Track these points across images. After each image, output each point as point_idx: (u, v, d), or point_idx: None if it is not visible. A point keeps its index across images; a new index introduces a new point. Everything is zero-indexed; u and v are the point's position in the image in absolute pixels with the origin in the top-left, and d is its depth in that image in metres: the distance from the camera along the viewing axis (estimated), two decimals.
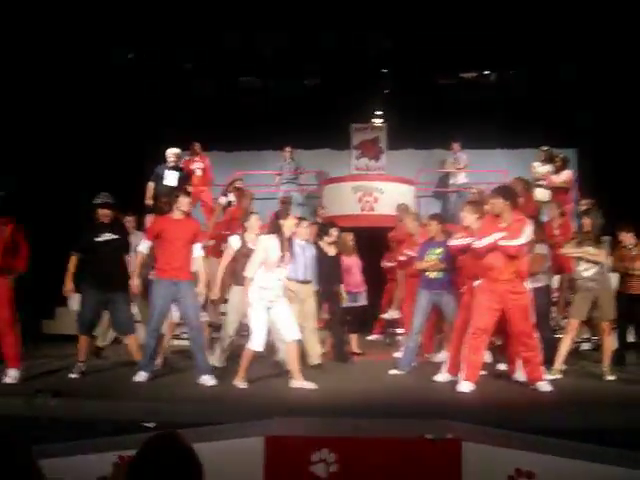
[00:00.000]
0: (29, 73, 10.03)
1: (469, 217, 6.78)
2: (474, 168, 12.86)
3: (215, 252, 8.44)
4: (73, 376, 6.80)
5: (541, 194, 10.67)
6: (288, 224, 6.49)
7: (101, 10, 9.84)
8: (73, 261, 6.93)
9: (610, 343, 7.09)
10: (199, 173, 11.21)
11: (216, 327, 8.36)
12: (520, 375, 6.58)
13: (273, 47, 11.56)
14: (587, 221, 7.26)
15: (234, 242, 7.17)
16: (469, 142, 13.30)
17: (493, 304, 6.21)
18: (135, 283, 6.79)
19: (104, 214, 6.97)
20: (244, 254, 6.90)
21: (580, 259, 7.02)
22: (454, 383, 6.35)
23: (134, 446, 2.15)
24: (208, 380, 6.45)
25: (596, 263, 6.95)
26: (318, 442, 4.04)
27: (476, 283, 6.40)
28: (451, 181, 12.78)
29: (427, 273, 7.23)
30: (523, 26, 10.55)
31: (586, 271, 7.00)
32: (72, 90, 10.86)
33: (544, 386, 6.21)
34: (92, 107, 11.31)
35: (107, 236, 6.96)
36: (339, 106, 12.84)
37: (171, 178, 10.10)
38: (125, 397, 5.90)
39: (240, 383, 6.32)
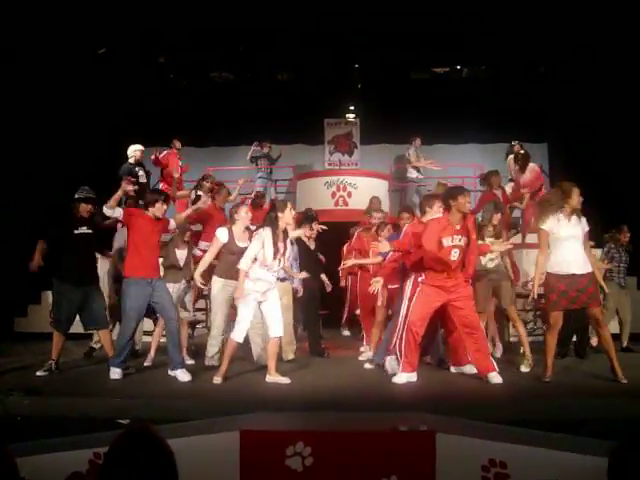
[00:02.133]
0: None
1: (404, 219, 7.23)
2: (447, 162, 12.97)
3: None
4: (40, 374, 6.69)
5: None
6: (286, 217, 6.41)
7: (73, 6, 9.73)
8: (41, 245, 6.95)
9: (521, 331, 7.19)
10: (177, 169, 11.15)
11: (193, 324, 8.37)
12: (469, 368, 6.65)
13: (246, 41, 11.50)
14: (497, 216, 7.38)
15: (222, 235, 6.92)
16: (442, 137, 13.42)
17: (434, 298, 6.27)
18: None
19: (85, 209, 6.91)
20: (229, 249, 6.86)
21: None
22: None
23: (109, 443, 2.16)
24: (182, 375, 6.39)
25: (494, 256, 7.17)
26: (293, 436, 4.06)
27: (420, 278, 6.43)
28: (408, 175, 12.71)
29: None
30: (495, 22, 10.64)
31: (490, 262, 7.19)
32: (43, 85, 10.72)
33: (495, 377, 6.21)
34: (63, 102, 11.18)
35: (84, 230, 6.89)
36: (312, 101, 12.86)
37: (143, 177, 10.18)
38: (99, 394, 5.85)
39: (218, 378, 6.25)
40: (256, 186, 12.44)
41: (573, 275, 5.98)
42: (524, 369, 6.83)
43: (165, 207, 6.66)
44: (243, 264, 6.24)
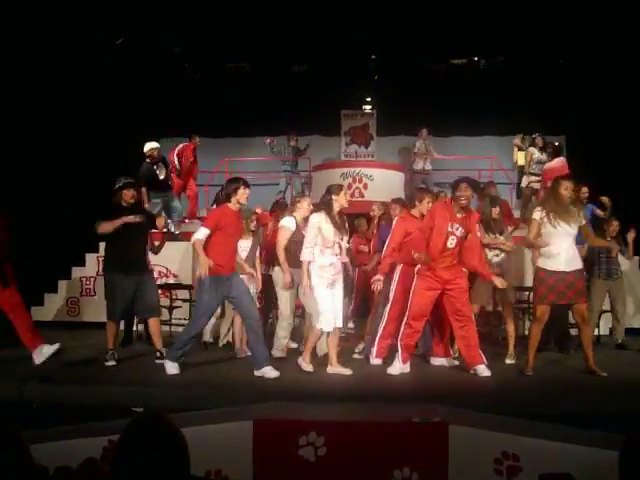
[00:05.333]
0: (14, 61, 9.93)
1: (396, 210, 7.17)
2: (463, 154, 12.91)
3: None
4: (110, 364, 6.61)
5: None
6: (341, 199, 6.34)
7: None
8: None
9: (512, 327, 7.03)
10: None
11: None
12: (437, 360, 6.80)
13: (262, 32, 11.46)
14: (495, 210, 7.10)
15: (290, 224, 6.84)
16: (458, 129, 13.36)
17: (431, 288, 6.25)
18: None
19: (128, 195, 6.70)
20: (296, 238, 6.77)
21: (487, 246, 6.97)
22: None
23: None
24: (270, 373, 6.04)
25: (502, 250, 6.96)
26: (306, 426, 4.07)
27: (417, 268, 6.41)
28: (414, 166, 12.67)
29: None
30: (513, 13, 10.54)
31: (496, 257, 6.96)
32: (57, 75, 10.76)
33: (483, 370, 6.19)
34: (78, 94, 11.21)
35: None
36: (329, 92, 12.82)
37: (163, 173, 10.16)
38: (114, 382, 5.89)
39: (307, 366, 6.25)
40: (281, 178, 12.50)
41: (562, 272, 6.02)
42: (508, 361, 6.84)
43: (248, 190, 6.21)
44: (305, 255, 6.21)
